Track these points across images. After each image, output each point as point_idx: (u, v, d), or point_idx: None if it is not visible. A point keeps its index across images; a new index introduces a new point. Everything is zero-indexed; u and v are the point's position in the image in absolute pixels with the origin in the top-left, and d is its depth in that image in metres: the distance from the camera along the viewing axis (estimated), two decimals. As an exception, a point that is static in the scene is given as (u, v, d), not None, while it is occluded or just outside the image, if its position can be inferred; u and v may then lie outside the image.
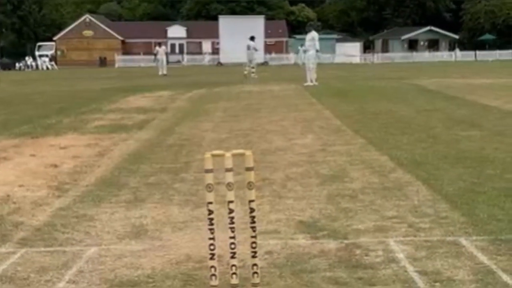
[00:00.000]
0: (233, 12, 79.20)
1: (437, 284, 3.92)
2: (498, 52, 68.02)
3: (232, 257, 3.81)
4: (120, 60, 67.95)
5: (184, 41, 75.46)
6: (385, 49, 78.11)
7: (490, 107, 14.15)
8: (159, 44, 43.31)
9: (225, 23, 65.45)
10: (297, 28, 75.43)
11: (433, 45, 78.02)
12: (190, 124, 12.53)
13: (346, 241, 4.77)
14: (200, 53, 71.83)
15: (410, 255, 4.44)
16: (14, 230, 5.32)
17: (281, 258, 4.45)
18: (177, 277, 4.14)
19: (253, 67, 29.96)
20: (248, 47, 31.09)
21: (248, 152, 3.89)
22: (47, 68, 62.48)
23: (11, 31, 79.44)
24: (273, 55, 66.67)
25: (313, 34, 24.19)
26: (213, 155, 3.85)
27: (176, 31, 75.76)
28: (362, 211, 5.62)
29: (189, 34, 75.55)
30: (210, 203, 3.81)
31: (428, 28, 78.68)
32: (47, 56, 66.82)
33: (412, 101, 16.27)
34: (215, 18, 70.02)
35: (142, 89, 23.97)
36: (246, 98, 18.80)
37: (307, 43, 24.43)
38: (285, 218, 5.46)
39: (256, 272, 3.87)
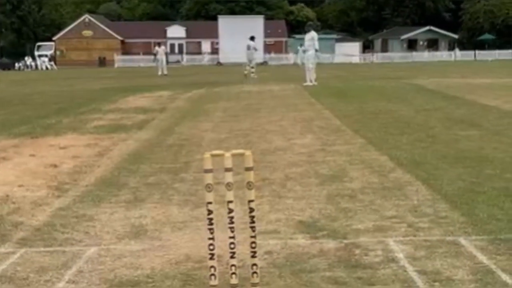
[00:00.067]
0: (232, 12, 79.22)
1: (437, 283, 3.92)
2: (497, 52, 68.02)
3: (232, 257, 3.81)
4: (119, 60, 67.93)
5: (183, 41, 75.45)
6: (384, 49, 78.13)
7: (490, 107, 14.15)
8: (159, 44, 43.32)
9: (225, 23, 65.51)
10: (297, 28, 75.36)
11: (432, 45, 78.05)
12: (190, 124, 12.53)
13: (345, 241, 4.77)
14: (200, 53, 71.84)
15: (409, 254, 4.44)
16: (13, 230, 5.33)
17: (280, 258, 4.45)
18: (177, 277, 4.14)
19: (252, 67, 29.93)
20: (248, 47, 31.06)
21: (247, 152, 3.89)
22: (47, 68, 62.50)
23: (11, 31, 79.41)
24: (273, 55, 66.68)
25: (313, 34, 24.19)
26: (213, 155, 3.85)
27: (176, 31, 75.76)
28: (361, 211, 5.63)
29: (189, 34, 75.53)
30: (210, 203, 3.82)
31: (427, 28, 78.71)
32: (46, 56, 66.85)
33: (411, 100, 16.27)
34: (215, 18, 70.06)
35: (141, 89, 23.97)
36: (245, 98, 18.81)
37: (306, 43, 24.42)
38: (284, 218, 5.46)
39: (255, 272, 3.87)
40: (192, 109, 15.72)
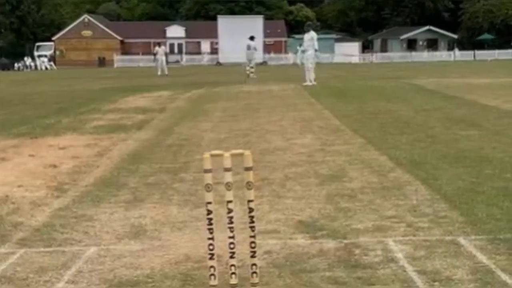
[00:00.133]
0: (232, 12, 79.21)
1: (436, 283, 3.92)
2: (497, 51, 67.99)
3: (231, 257, 3.82)
4: (119, 60, 67.92)
5: (183, 41, 75.44)
6: (384, 48, 78.13)
7: (489, 107, 14.16)
8: (159, 44, 43.32)
9: (224, 23, 65.53)
10: (296, 28, 75.36)
11: (432, 44, 78.05)
12: (189, 124, 12.53)
13: (345, 241, 4.77)
14: (199, 53, 71.85)
15: (409, 254, 4.45)
16: (13, 230, 5.33)
17: (280, 258, 4.45)
18: (176, 277, 4.14)
19: (252, 67, 29.94)
20: (248, 47, 31.04)
21: (247, 152, 3.89)
22: (46, 68, 62.48)
23: (10, 31, 79.35)
24: (272, 55, 66.67)
25: (312, 34, 24.20)
26: (212, 155, 3.85)
27: (175, 31, 75.73)
28: (361, 210, 5.63)
29: (188, 34, 75.52)
30: (209, 203, 3.82)
31: (427, 27, 78.71)
32: (46, 56, 66.87)
33: (411, 100, 16.28)
34: (214, 18, 70.06)
35: (141, 89, 23.97)
36: (245, 98, 18.81)
37: (305, 43, 24.43)
38: (284, 218, 5.46)
39: (255, 272, 3.87)
40: (191, 109, 15.72)
